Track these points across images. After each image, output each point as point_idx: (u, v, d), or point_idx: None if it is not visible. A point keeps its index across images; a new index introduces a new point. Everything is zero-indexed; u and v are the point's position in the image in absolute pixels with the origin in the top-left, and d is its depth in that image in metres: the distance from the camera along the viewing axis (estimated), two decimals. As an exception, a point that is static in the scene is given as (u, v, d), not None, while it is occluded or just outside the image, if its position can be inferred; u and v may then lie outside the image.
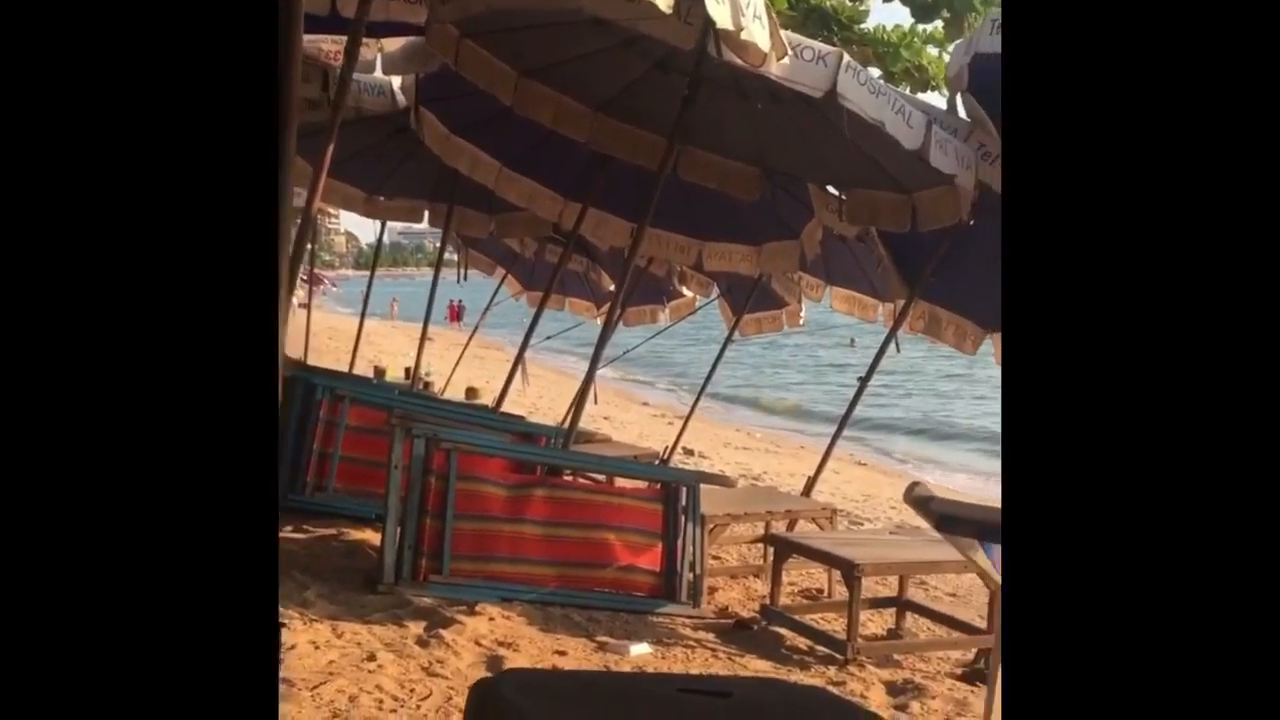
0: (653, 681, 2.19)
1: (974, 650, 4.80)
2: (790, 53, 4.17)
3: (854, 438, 18.14)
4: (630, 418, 17.24)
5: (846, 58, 4.31)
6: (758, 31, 3.73)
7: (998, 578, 2.88)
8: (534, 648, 4.24)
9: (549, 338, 9.07)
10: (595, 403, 11.10)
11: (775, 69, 4.19)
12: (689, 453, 12.46)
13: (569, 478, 5.83)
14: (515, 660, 4.04)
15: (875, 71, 9.89)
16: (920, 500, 2.90)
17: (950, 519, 2.84)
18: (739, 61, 4.14)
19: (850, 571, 4.55)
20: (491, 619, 4.45)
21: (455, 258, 11.15)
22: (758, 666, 4.43)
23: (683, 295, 10.26)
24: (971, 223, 5.99)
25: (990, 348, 7.06)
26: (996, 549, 2.77)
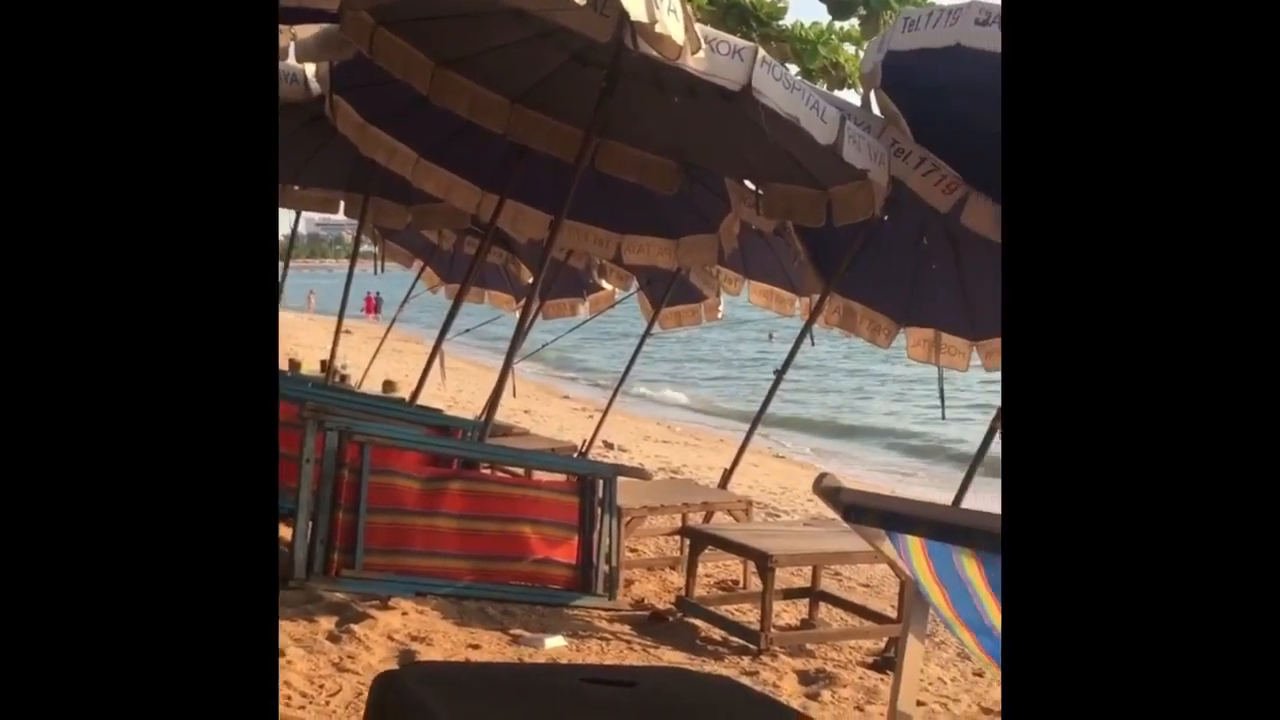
0: (557, 672, 2.19)
1: (885, 639, 4.87)
2: (706, 47, 4.18)
3: (773, 431, 18.33)
4: (551, 411, 17.20)
5: (762, 53, 4.34)
6: (672, 24, 3.74)
7: (904, 567, 2.92)
8: (447, 642, 4.21)
9: (467, 330, 9.01)
10: (514, 396, 11.07)
11: (691, 63, 4.20)
12: (609, 446, 12.46)
13: (486, 471, 5.80)
14: (428, 654, 4.01)
15: (794, 68, 9.97)
16: (828, 491, 2.93)
17: (857, 509, 2.88)
18: (655, 55, 4.15)
19: (764, 563, 4.60)
20: (405, 613, 4.41)
21: (373, 249, 11.02)
22: (672, 658, 4.45)
23: (602, 288, 10.26)
24: (885, 218, 6.08)
25: (903, 341, 7.16)
26: (902, 539, 2.81)
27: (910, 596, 3.01)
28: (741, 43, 4.35)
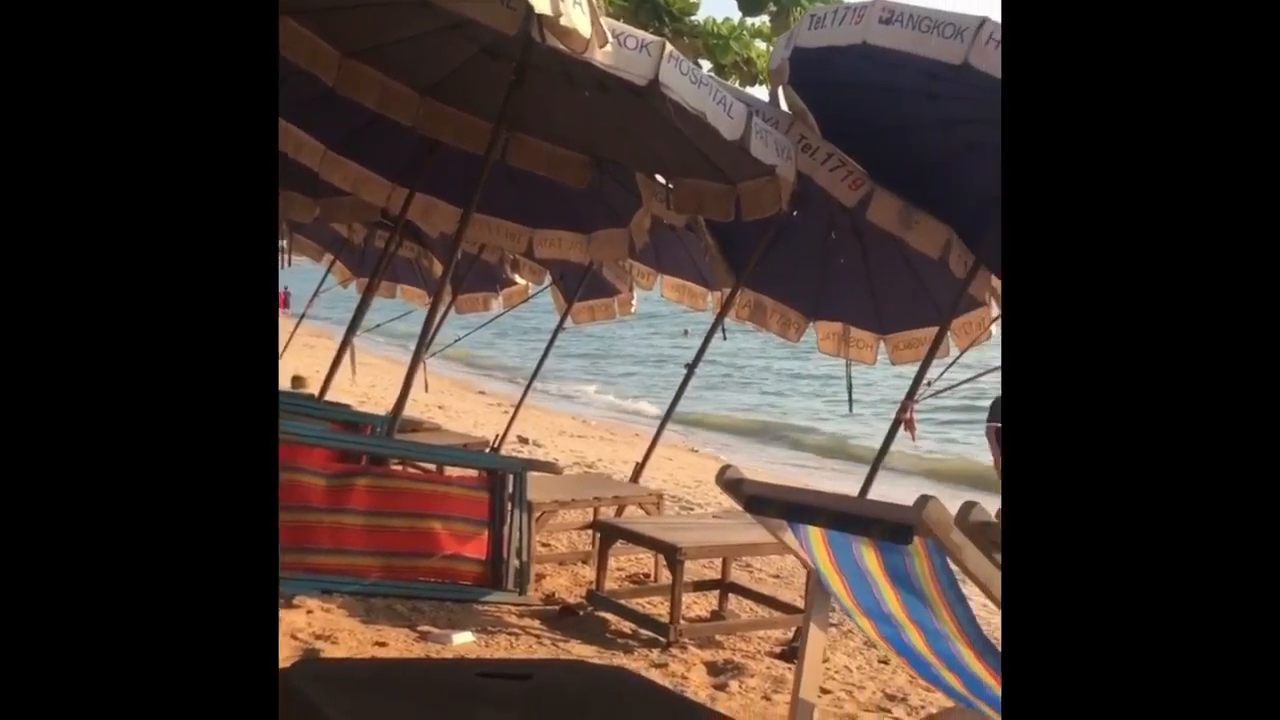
0: (451, 667, 2.18)
1: (793, 629, 4.93)
2: (613, 41, 4.19)
3: (689, 426, 18.44)
4: (466, 406, 17.08)
5: (669, 47, 4.35)
6: (578, 17, 3.74)
7: (805, 557, 2.96)
8: (353, 640, 4.16)
9: (378, 325, 8.90)
10: (426, 391, 10.97)
11: (599, 56, 4.20)
12: (524, 441, 12.43)
13: (396, 467, 5.74)
14: (333, 653, 3.96)
15: (706, 64, 10.03)
16: (731, 483, 2.96)
17: (759, 501, 2.92)
18: (563, 48, 4.14)
19: (673, 555, 4.62)
20: (310, 611, 4.35)
21: (281, 243, 10.83)
22: (582, 651, 4.45)
23: (515, 283, 10.22)
24: (794, 213, 6.15)
25: (814, 336, 7.25)
26: (804, 529, 2.85)
27: (812, 586, 3.06)
28: (649, 37, 4.37)
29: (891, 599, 2.74)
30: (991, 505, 2.52)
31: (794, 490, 3.01)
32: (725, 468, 2.97)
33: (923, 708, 4.14)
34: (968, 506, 2.28)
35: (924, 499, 2.37)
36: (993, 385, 10.07)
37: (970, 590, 2.59)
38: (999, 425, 10.33)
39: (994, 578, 2.36)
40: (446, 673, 1.82)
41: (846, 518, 2.67)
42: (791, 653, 4.69)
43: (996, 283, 6.03)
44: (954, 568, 2.50)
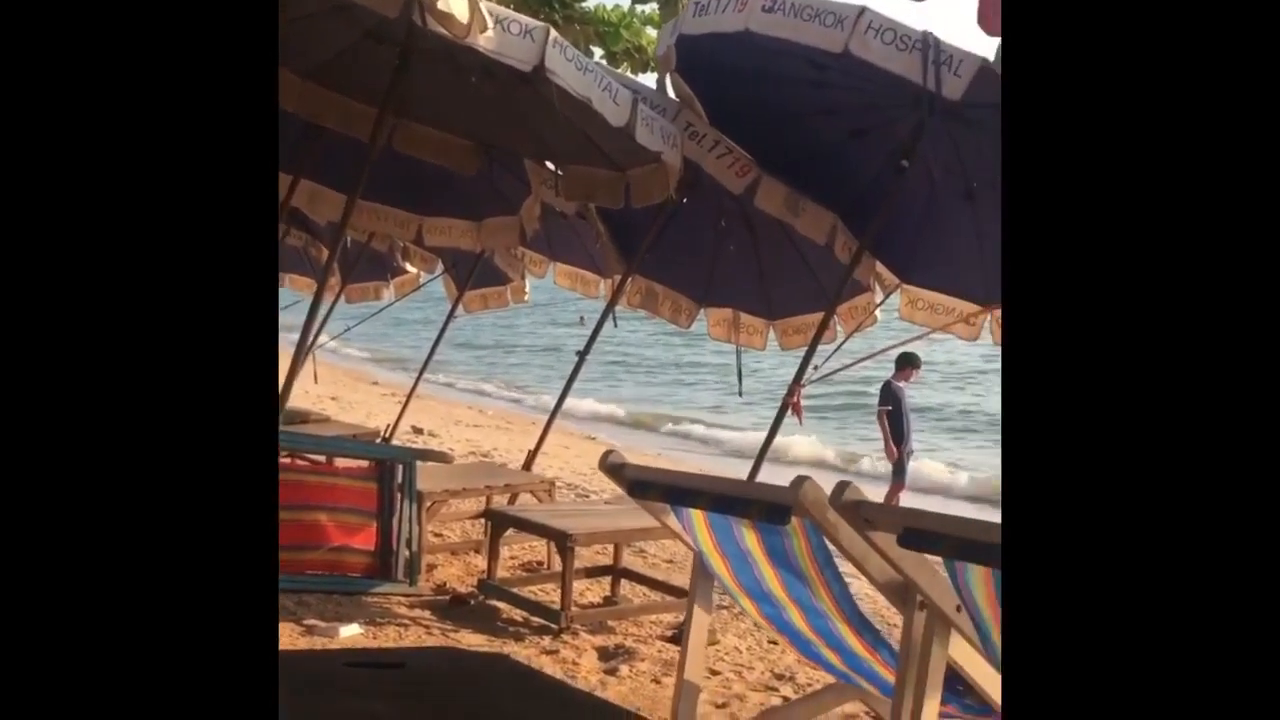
0: (320, 658, 2.15)
1: (684, 613, 4.97)
2: (496, 26, 4.15)
3: (585, 413, 18.45)
4: (359, 398, 16.83)
5: (553, 33, 4.33)
6: (455, 2, 3.70)
7: (688, 540, 2.99)
8: (237, 635, 4.08)
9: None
10: (316, 382, 10.78)
11: (482, 41, 4.16)
12: (418, 431, 12.30)
13: (283, 459, 5.63)
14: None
15: (597, 51, 10.00)
16: (614, 467, 2.98)
17: (642, 485, 2.93)
18: (445, 33, 4.09)
19: (563, 542, 4.62)
20: (191, 608, 4.25)
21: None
22: (472, 640, 4.43)
23: (406, 271, 10.08)
24: (684, 200, 6.18)
25: (704, 323, 7.31)
26: (686, 512, 2.87)
27: (696, 569, 3.09)
28: (533, 23, 4.34)
29: (772, 579, 2.78)
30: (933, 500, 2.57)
31: (676, 474, 3.03)
32: (608, 453, 2.98)
33: (809, 685, 4.21)
34: (841, 486, 2.33)
35: (800, 479, 2.41)
36: (879, 370, 10.28)
37: (846, 567, 2.64)
38: (889, 409, 10.57)
39: (867, 555, 2.41)
40: (313, 663, 1.79)
41: (726, 500, 2.71)
42: (682, 636, 4.73)
43: (881, 268, 6.15)
44: (830, 546, 2.55)
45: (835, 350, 5.75)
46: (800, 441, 15.41)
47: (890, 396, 10.54)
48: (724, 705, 3.98)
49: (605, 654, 4.40)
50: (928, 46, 4.24)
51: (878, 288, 6.20)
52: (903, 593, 2.47)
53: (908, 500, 10.40)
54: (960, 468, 14.49)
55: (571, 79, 4.41)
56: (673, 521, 2.97)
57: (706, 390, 23.04)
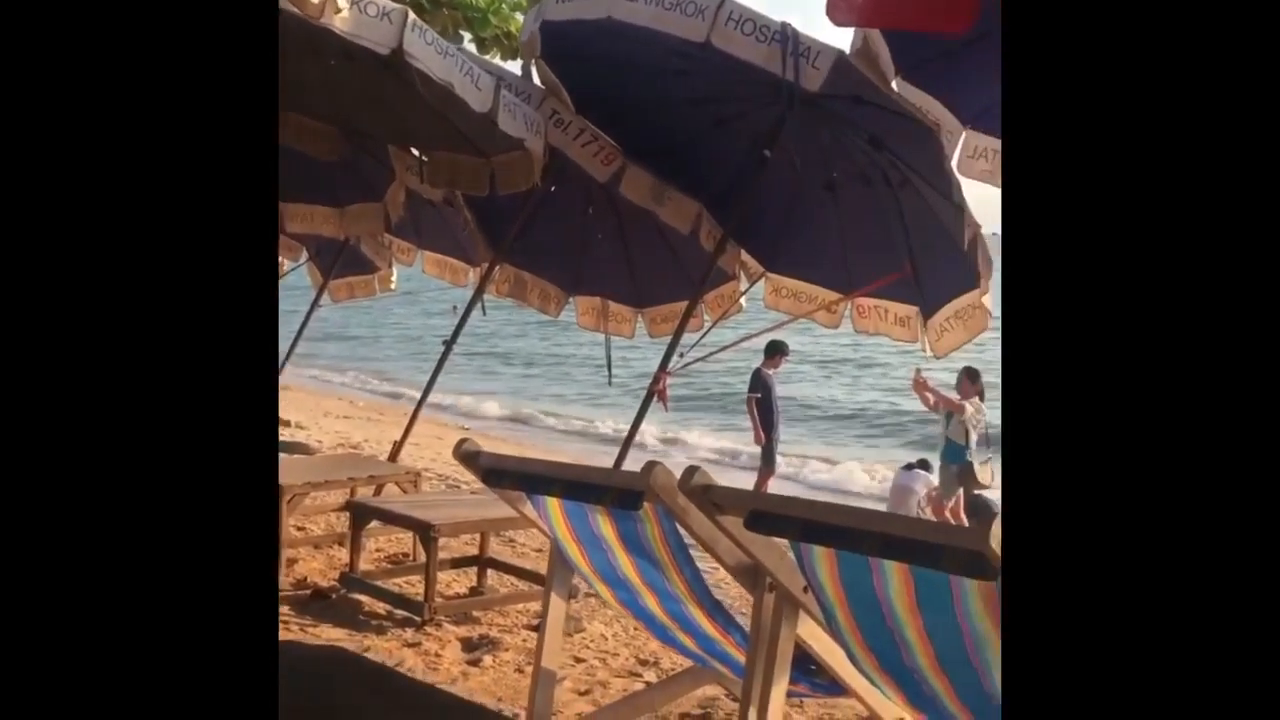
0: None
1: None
2: (352, 8, 4.07)
3: (460, 404, 18.28)
4: (224, 389, 16.37)
5: (412, 16, 4.26)
6: (308, -19, 3.61)
7: (545, 528, 2.98)
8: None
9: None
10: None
11: (337, 23, 4.08)
12: (285, 424, 12.02)
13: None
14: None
15: (467, 36, 9.89)
16: (468, 455, 2.95)
17: (496, 473, 2.91)
18: (298, 12, 3.99)
19: (426, 533, 4.57)
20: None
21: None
22: (332, 635, 4.35)
23: (271, 259, 9.83)
24: (553, 188, 6.15)
25: (574, 311, 7.29)
26: (542, 500, 2.86)
27: (553, 556, 3.09)
28: (391, 5, 4.26)
29: (627, 565, 2.79)
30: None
31: (530, 461, 3.02)
32: (462, 441, 2.95)
33: (673, 671, 4.24)
34: (690, 471, 2.34)
35: (650, 465, 2.43)
36: (745, 357, 10.38)
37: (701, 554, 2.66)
38: (758, 395, 10.72)
39: (717, 539, 2.44)
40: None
41: (580, 487, 2.71)
42: (547, 624, 4.72)
43: (746, 256, 6.22)
44: (682, 531, 2.57)
45: (700, 338, 5.79)
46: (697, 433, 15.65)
47: (760, 384, 10.69)
48: (587, 692, 3.99)
49: (468, 645, 4.36)
50: (786, 38, 4.29)
51: (743, 276, 6.27)
52: (752, 575, 2.50)
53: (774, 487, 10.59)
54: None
55: (432, 63, 4.35)
56: (529, 510, 2.96)
57: (582, 381, 23.05)
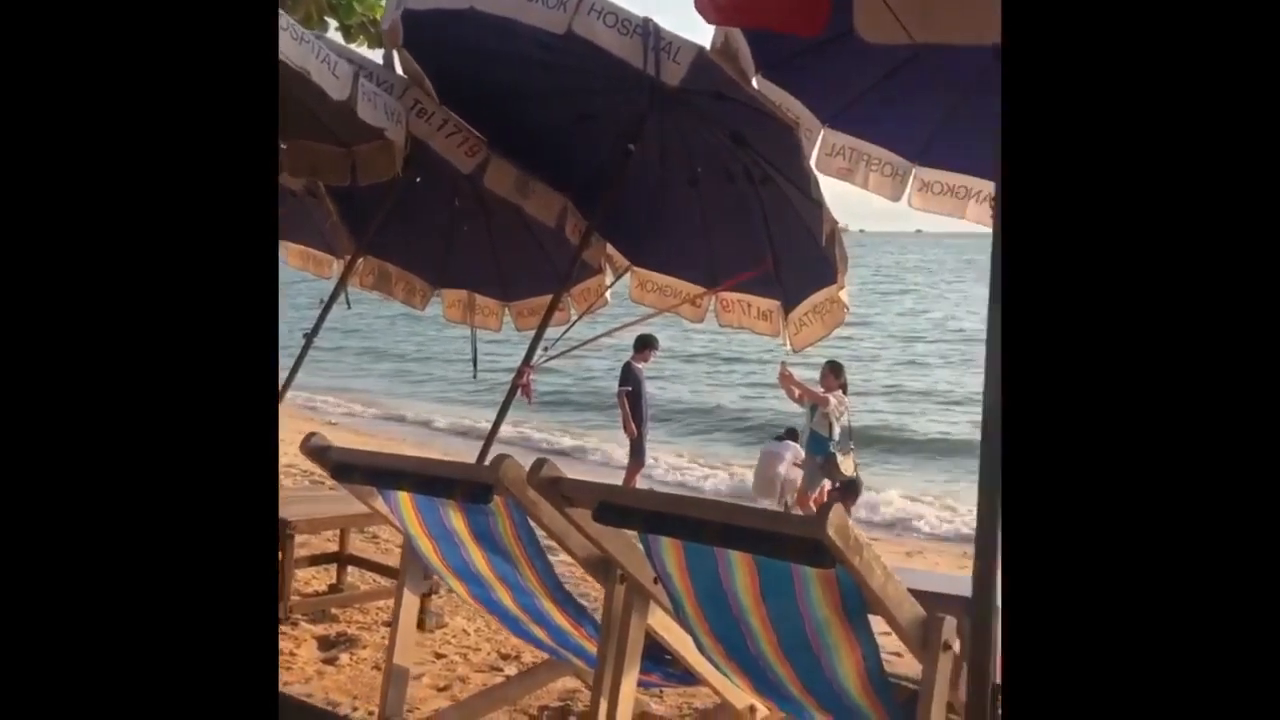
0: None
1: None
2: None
3: (331, 399, 17.92)
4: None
5: (267, 0, 4.15)
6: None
7: (396, 522, 2.94)
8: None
9: None
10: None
11: (186, 5, 3.94)
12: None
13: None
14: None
15: (332, 24, 9.68)
16: (316, 450, 2.89)
17: (345, 467, 2.86)
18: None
19: (281, 529, 4.46)
20: None
21: None
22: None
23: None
24: (418, 179, 6.06)
25: (439, 304, 7.21)
26: (393, 495, 2.82)
27: (405, 551, 3.05)
28: (244, -12, 4.14)
29: (479, 559, 2.77)
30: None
31: (380, 455, 2.97)
32: (310, 435, 2.89)
33: (535, 663, 4.24)
34: (539, 463, 2.34)
35: (500, 458, 2.41)
36: (613, 351, 10.42)
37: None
38: (629, 389, 10.78)
39: (567, 531, 2.44)
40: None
41: (430, 480, 2.68)
42: (408, 621, 4.66)
43: (612, 250, 6.23)
44: (533, 524, 2.56)
45: (565, 331, 5.79)
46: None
47: (630, 377, 10.75)
48: (446, 688, 3.96)
49: (325, 643, 4.29)
50: (648, 33, 4.30)
51: (609, 270, 6.28)
52: (603, 567, 2.51)
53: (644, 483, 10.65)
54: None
55: (287, 49, 4.25)
56: (380, 504, 2.92)
57: (454, 377, 22.83)
